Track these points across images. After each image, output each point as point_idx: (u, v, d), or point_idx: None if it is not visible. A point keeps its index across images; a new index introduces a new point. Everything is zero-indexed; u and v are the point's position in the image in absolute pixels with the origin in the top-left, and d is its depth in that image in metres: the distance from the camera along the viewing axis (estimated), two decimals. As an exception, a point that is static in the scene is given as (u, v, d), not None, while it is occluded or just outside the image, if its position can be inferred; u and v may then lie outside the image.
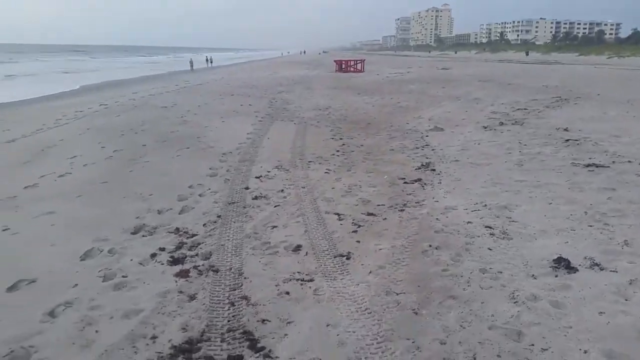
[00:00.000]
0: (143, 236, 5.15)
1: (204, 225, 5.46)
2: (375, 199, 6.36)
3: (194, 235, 5.17)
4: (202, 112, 14.52)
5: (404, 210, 5.89)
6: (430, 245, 4.75)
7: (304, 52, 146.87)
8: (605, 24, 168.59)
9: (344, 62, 40.95)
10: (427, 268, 4.28)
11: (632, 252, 4.46)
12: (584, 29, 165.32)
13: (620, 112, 13.04)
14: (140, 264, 4.48)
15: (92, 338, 3.31)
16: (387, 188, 6.87)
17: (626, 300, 3.65)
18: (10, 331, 3.38)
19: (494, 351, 3.07)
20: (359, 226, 5.40)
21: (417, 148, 9.49)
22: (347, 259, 4.56)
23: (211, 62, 58.92)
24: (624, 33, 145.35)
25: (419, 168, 7.89)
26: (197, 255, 4.66)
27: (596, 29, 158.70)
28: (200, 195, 6.58)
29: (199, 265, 4.41)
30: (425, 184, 6.97)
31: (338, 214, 5.79)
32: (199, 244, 4.94)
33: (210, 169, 7.93)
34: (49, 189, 6.85)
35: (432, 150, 9.25)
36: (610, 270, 4.14)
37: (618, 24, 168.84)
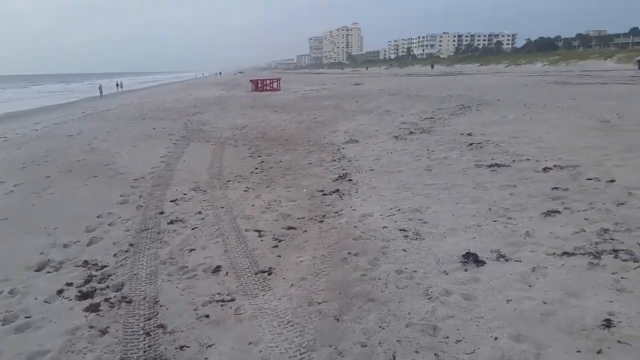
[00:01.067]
0: (48, 272, 4.79)
1: (114, 255, 5.18)
2: (295, 213, 6.38)
3: (104, 267, 4.88)
4: (111, 138, 13.87)
5: (323, 221, 5.95)
6: (349, 253, 4.83)
7: (220, 73, 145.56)
8: (503, 35, 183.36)
9: (260, 81, 41.10)
10: (347, 275, 4.34)
11: (533, 242, 4.80)
12: (484, 40, 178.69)
13: (518, 115, 14.12)
14: (46, 301, 4.15)
15: (-11, 389, 3.01)
16: (307, 201, 6.92)
17: (529, 286, 3.91)
18: None
19: (412, 347, 3.16)
20: (280, 241, 5.39)
21: (334, 160, 9.67)
22: (269, 274, 4.52)
23: (121, 86, 56.72)
24: (519, 43, 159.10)
25: (337, 179, 8.04)
26: (107, 287, 4.40)
27: (494, 40, 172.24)
28: (110, 224, 6.24)
29: (110, 298, 4.17)
30: (343, 194, 7.11)
31: (258, 231, 5.74)
32: (109, 275, 4.67)
33: (121, 196, 7.56)
34: (-64, 232, 6.18)
35: (349, 161, 9.48)
36: (515, 261, 4.43)
37: (514, 35, 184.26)
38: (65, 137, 14.41)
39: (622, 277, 3.90)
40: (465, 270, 4.29)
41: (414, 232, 5.27)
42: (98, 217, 6.51)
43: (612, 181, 6.64)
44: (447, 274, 4.24)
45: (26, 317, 3.90)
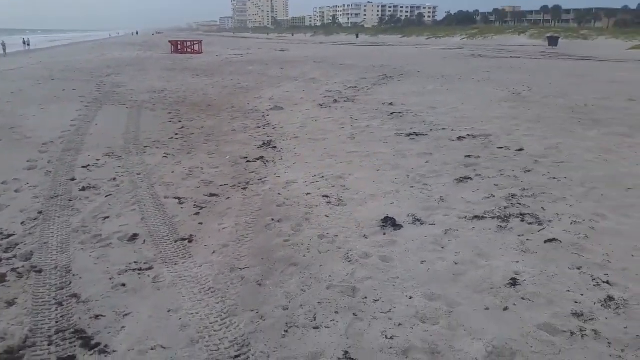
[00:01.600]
0: (-59, 244, 4.37)
1: (22, 223, 4.83)
2: (218, 180, 6.27)
3: (10, 235, 4.54)
4: (16, 99, 12.72)
5: (247, 188, 5.91)
6: (272, 219, 4.85)
7: (137, 32, 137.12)
8: (424, 7, 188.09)
9: (179, 42, 39.32)
10: (270, 241, 4.37)
11: (446, 207, 5.08)
12: (407, 12, 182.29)
13: (436, 86, 14.68)
14: (-61, 275, 3.80)
15: None
16: (230, 168, 6.82)
17: (442, 248, 4.15)
18: None
19: (332, 308, 3.27)
20: (202, 208, 5.29)
21: (258, 127, 9.55)
22: (189, 242, 4.44)
23: (28, 44, 51.64)
24: (440, 16, 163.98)
25: (261, 146, 7.97)
26: (15, 257, 4.11)
27: (417, 12, 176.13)
28: (16, 191, 5.79)
29: (17, 267, 3.90)
30: (267, 161, 7.07)
31: (179, 198, 5.59)
32: (17, 244, 4.35)
33: (28, 161, 7.01)
34: None
35: (273, 128, 9.40)
36: (430, 224, 4.67)
37: (435, 8, 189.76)
38: (-42, 96, 13.00)
39: (527, 240, 4.24)
40: (384, 234, 4.47)
41: (337, 199, 5.38)
42: (2, 183, 6.00)
43: (521, 150, 7.15)
44: (366, 238, 4.39)
45: None
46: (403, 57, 29.47)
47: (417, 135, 8.29)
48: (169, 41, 42.11)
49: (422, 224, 4.69)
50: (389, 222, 4.70)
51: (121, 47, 48.31)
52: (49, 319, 3.21)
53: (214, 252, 4.20)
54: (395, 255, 4.04)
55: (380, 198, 5.40)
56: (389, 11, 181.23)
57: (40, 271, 3.87)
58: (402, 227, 4.62)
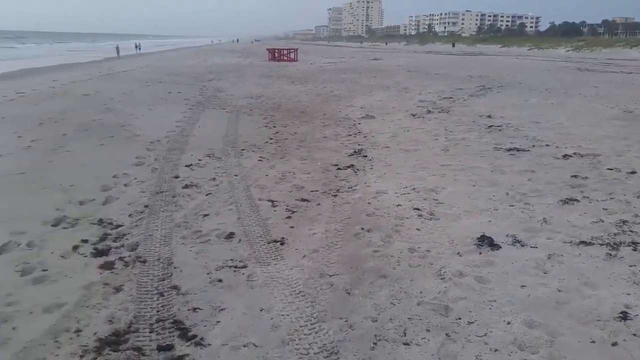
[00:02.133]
0: (64, 228, 4.85)
1: (129, 215, 5.22)
2: (309, 185, 6.38)
3: (119, 226, 4.94)
4: (128, 99, 13.88)
5: (337, 195, 5.95)
6: (362, 228, 4.83)
7: (237, 40, 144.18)
8: (527, 17, 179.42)
9: (277, 50, 40.67)
10: (359, 250, 4.35)
11: (550, 229, 4.76)
12: (507, 21, 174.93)
13: (539, 99, 13.90)
14: (62, 256, 4.21)
15: (9, 335, 3.08)
16: (321, 174, 6.91)
17: (545, 273, 3.89)
18: None
19: (423, 326, 3.18)
20: (293, 212, 5.40)
21: (349, 135, 9.61)
22: (281, 244, 4.54)
23: (139, 48, 56.56)
24: (543, 26, 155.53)
25: (352, 154, 8.00)
26: (122, 246, 4.46)
27: (518, 22, 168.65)
28: (125, 185, 6.28)
29: (125, 257, 4.22)
30: (357, 169, 7.08)
31: (272, 201, 5.75)
32: (124, 234, 4.72)
33: (136, 158, 7.59)
34: (-44, 182, 6.27)
35: (364, 137, 9.41)
36: (531, 247, 4.40)
37: (538, 18, 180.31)
38: (81, 96, 14.44)
39: (639, 270, 3.86)
40: (480, 253, 4.28)
41: (429, 212, 5.25)
42: (114, 177, 6.55)
43: (633, 172, 6.55)
44: (460, 256, 4.23)
45: (43, 270, 3.97)
46: (503, 67, 28.29)
47: (517, 150, 7.88)
48: (267, 49, 43.79)
49: (522, 245, 4.43)
50: (486, 241, 4.49)
51: (222, 53, 51.04)
52: (151, 308, 3.43)
53: (304, 256, 4.27)
54: (493, 277, 3.85)
55: (476, 215, 5.19)
56: (489, 20, 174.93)
57: (144, 261, 4.15)
58: (500, 247, 4.40)
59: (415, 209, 5.36)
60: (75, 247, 4.38)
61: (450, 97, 14.76)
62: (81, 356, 2.91)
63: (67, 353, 2.93)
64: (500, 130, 9.59)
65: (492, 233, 4.64)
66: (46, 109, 11.83)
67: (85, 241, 4.51)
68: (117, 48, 47.24)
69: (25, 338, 3.06)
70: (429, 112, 12.16)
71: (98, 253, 4.28)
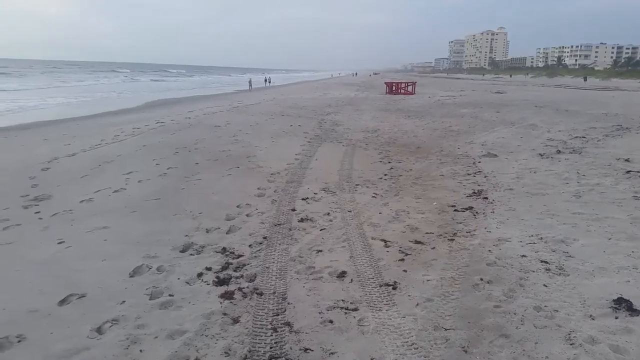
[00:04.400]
0: (191, 255, 5.23)
1: (250, 246, 5.48)
2: (424, 227, 6.20)
3: (239, 256, 5.20)
4: (254, 131, 14.80)
5: (453, 239, 5.69)
6: (481, 279, 4.55)
7: (356, 74, 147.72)
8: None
9: (394, 84, 40.91)
10: (478, 303, 4.09)
11: (703, 297, 4.09)
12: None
13: (690, 142, 12.24)
14: (187, 283, 4.53)
15: (137, 357, 3.35)
16: (437, 215, 6.69)
17: (698, 350, 3.32)
18: (60, 345, 3.47)
19: (550, 399, 2.86)
20: (406, 254, 5.26)
21: (468, 174, 9.23)
22: (394, 288, 4.43)
23: (269, 82, 60.83)
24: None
25: (471, 195, 7.65)
26: (242, 276, 4.67)
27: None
28: (247, 215, 6.63)
29: (243, 287, 4.41)
30: (477, 212, 6.73)
31: (384, 241, 5.67)
32: (244, 265, 4.95)
33: (258, 188, 8.01)
34: (104, 204, 7.11)
35: (485, 177, 8.96)
36: (679, 315, 3.81)
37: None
38: (213, 127, 15.71)
39: None
40: (616, 318, 3.79)
41: (558, 266, 4.79)
42: (237, 206, 6.96)
43: None
44: (593, 319, 3.78)
45: (169, 295, 4.29)
46: (645, 104, 25.47)
47: (663, 201, 6.95)
48: (385, 82, 44.27)
49: (668, 313, 3.85)
50: (623, 305, 3.97)
51: (341, 87, 52.59)
52: (264, 343, 3.52)
53: (417, 304, 4.11)
54: (631, 347, 3.38)
55: (612, 273, 4.63)
56: (627, 53, 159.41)
57: (261, 294, 4.30)
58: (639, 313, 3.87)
59: (542, 261, 4.93)
60: (199, 275, 4.69)
61: (583, 137, 13.57)
62: (199, 384, 3.05)
63: (186, 379, 3.10)
64: (641, 176, 8.56)
65: (630, 295, 4.10)
66: (182, 139, 13.04)
67: (209, 269, 4.81)
68: (250, 82, 51.38)
69: (151, 361, 3.30)
70: (559, 152, 11.28)
71: (220, 282, 4.53)
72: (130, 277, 4.64)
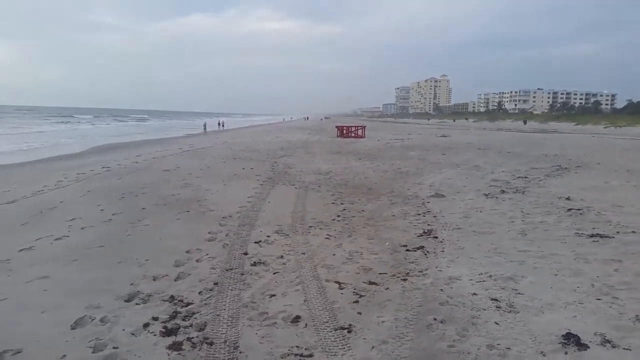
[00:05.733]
0: (137, 304, 4.97)
1: (199, 293, 5.29)
2: (377, 267, 6.21)
3: (189, 304, 4.99)
4: (204, 175, 14.60)
5: (406, 279, 5.72)
6: (435, 319, 4.56)
7: (307, 118, 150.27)
8: (601, 95, 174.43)
9: (345, 127, 41.82)
10: (432, 344, 4.08)
11: (644, 329, 4.26)
12: (581, 99, 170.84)
13: (621, 181, 13.08)
14: (133, 334, 4.28)
15: (75, 418, 3.09)
16: (389, 255, 6.73)
17: (644, 382, 3.43)
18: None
19: None
20: (361, 296, 5.23)
21: (418, 214, 9.41)
22: (349, 332, 4.37)
23: (223, 125, 60.92)
24: (620, 103, 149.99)
25: (421, 235, 7.77)
26: (191, 325, 4.47)
27: (592, 99, 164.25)
28: (197, 260, 6.43)
29: (192, 337, 4.22)
30: (428, 251, 6.83)
31: (339, 282, 5.62)
32: (193, 313, 4.75)
33: (209, 233, 7.82)
34: (45, 252, 6.71)
35: (434, 217, 9.17)
36: (623, 348, 3.95)
37: (613, 95, 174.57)
38: (162, 171, 15.39)
39: None
40: (566, 353, 3.89)
41: (507, 304, 4.89)
42: (187, 252, 6.74)
43: None
44: (544, 356, 3.86)
45: (114, 348, 4.04)
46: (578, 146, 27.22)
47: (601, 237, 7.31)
48: (335, 126, 45.20)
49: (613, 347, 3.98)
50: (572, 340, 4.08)
51: (294, 130, 53.20)
52: (216, 395, 3.34)
53: (372, 347, 4.06)
54: (583, 383, 3.44)
55: (559, 309, 4.76)
56: (561, 98, 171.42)
57: (211, 343, 4.12)
58: (587, 347, 3.98)
59: (492, 299, 5.01)
60: (146, 325, 4.45)
61: (525, 177, 14.24)
62: None
63: None
64: (581, 214, 9.02)
65: (578, 330, 4.23)
66: (129, 183, 12.67)
67: (155, 319, 4.58)
68: (205, 125, 51.57)
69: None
70: (503, 192, 11.75)
71: (167, 332, 4.31)
72: (72, 329, 4.35)
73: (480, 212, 9.50)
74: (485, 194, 11.46)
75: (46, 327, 4.38)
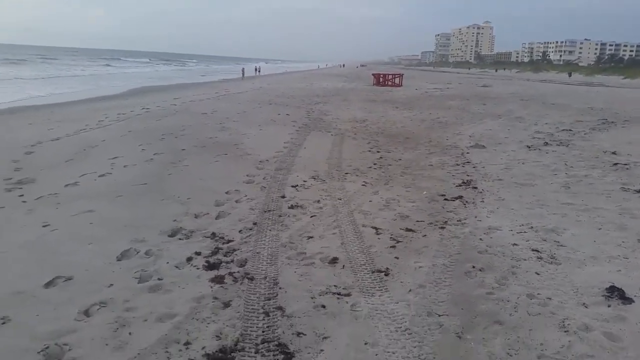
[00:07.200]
0: (180, 239, 5.13)
1: (239, 231, 5.40)
2: (414, 215, 6.18)
3: (229, 241, 5.11)
4: (241, 119, 14.63)
5: (444, 227, 5.68)
6: (473, 267, 4.54)
7: (343, 65, 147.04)
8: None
9: (381, 75, 40.84)
10: (470, 290, 4.08)
11: (692, 286, 4.13)
12: (631, 51, 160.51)
13: (673, 137, 12.43)
14: (176, 267, 4.44)
15: (126, 340, 3.26)
16: (427, 204, 6.67)
17: (688, 337, 3.36)
18: (46, 327, 3.37)
19: (545, 384, 2.86)
20: (398, 242, 5.23)
21: (457, 165, 9.24)
22: (386, 275, 4.40)
23: (259, 71, 60.94)
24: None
25: (460, 185, 7.65)
26: (232, 261, 4.60)
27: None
28: (236, 201, 6.54)
29: (234, 272, 4.34)
30: (466, 202, 6.74)
31: (375, 228, 5.64)
32: (234, 250, 4.87)
33: (247, 175, 7.91)
34: (90, 188, 6.94)
35: (474, 167, 8.98)
36: (670, 304, 3.85)
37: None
38: (200, 114, 15.50)
39: None
40: (609, 306, 3.81)
41: (549, 255, 4.81)
42: (226, 193, 6.86)
43: None
44: (586, 307, 3.80)
45: (158, 279, 4.20)
46: (627, 100, 25.84)
47: (649, 192, 7.04)
48: (372, 74, 44.18)
49: (660, 302, 3.88)
50: (616, 293, 4.00)
51: (329, 77, 52.36)
52: (257, 327, 3.46)
53: (410, 290, 4.09)
54: (625, 335, 3.39)
55: (603, 262, 4.66)
56: (610, 49, 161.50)
57: (252, 279, 4.23)
58: (632, 301, 3.89)
59: (533, 250, 4.94)
60: (189, 259, 4.60)
61: (570, 130, 13.71)
62: (190, 369, 2.98)
63: (177, 364, 3.03)
64: (627, 169, 8.66)
65: (622, 284, 4.14)
66: (168, 125, 12.83)
67: (198, 253, 4.73)
68: (243, 70, 51.71)
69: (140, 345, 3.22)
70: (546, 144, 11.37)
71: (210, 266, 4.45)
72: (118, 260, 4.53)
73: (523, 164, 9.25)
74: (527, 146, 11.12)
75: (94, 258, 4.57)
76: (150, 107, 16.89)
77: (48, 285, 4.01)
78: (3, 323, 3.41)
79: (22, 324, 3.41)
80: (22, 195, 6.52)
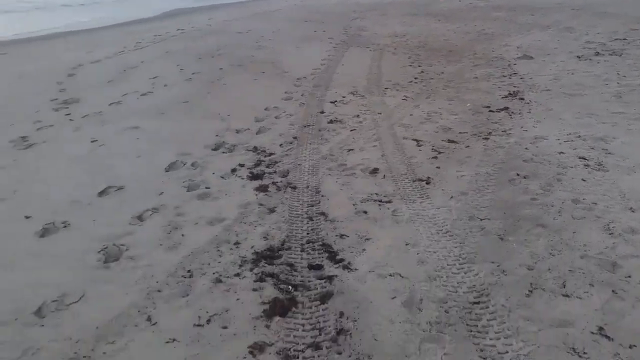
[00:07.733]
0: (223, 152, 5.25)
1: (280, 145, 5.47)
2: (457, 127, 6.05)
3: (271, 154, 5.20)
4: (277, 38, 14.29)
5: (488, 138, 5.56)
6: (517, 174, 4.48)
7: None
8: None
9: (422, -12, 38.46)
10: (514, 196, 4.05)
11: None
12: None
13: None
14: (222, 177, 4.59)
15: (179, 241, 3.47)
16: (470, 116, 6.50)
17: None
18: (103, 230, 3.62)
19: (586, 280, 2.89)
20: (439, 153, 5.18)
21: (503, 76, 8.85)
22: (427, 183, 4.42)
23: None
24: None
25: (506, 97, 7.37)
26: (275, 172, 4.70)
27: None
28: (276, 117, 6.56)
29: (277, 182, 4.46)
30: (513, 112, 6.52)
31: (417, 140, 5.58)
32: (276, 162, 4.97)
33: (285, 92, 7.86)
34: (133, 106, 7.10)
35: (521, 78, 8.59)
36: None
37: None
38: (235, 33, 15.21)
39: None
40: (658, 214, 3.73)
41: (597, 162, 4.67)
42: (265, 109, 6.88)
43: None
44: (633, 212, 3.73)
45: (206, 188, 4.37)
46: (696, 4, 23.51)
47: None
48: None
49: None
50: (666, 199, 3.90)
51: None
52: (301, 229, 3.60)
53: (451, 197, 4.10)
54: (673, 240, 3.34)
55: (654, 169, 4.50)
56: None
57: (294, 187, 4.34)
58: (683, 207, 3.79)
59: (580, 157, 4.80)
60: (233, 170, 4.74)
61: (624, 39, 12.70)
62: (240, 265, 3.18)
63: (228, 261, 3.22)
64: (690, 76, 8.08)
65: (674, 192, 4.01)
66: (204, 45, 12.72)
67: (242, 165, 4.85)
68: None
69: (192, 245, 3.42)
70: (598, 54, 10.65)
71: (253, 176, 4.58)
72: (166, 171, 4.72)
73: (572, 74, 8.76)
74: (578, 56, 10.46)
75: (143, 169, 4.78)
76: (185, 28, 16.67)
77: (101, 194, 4.25)
78: (64, 227, 3.68)
79: (80, 228, 3.67)
80: (68, 114, 6.75)
